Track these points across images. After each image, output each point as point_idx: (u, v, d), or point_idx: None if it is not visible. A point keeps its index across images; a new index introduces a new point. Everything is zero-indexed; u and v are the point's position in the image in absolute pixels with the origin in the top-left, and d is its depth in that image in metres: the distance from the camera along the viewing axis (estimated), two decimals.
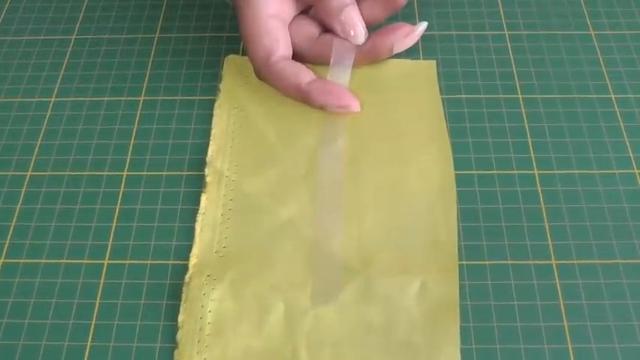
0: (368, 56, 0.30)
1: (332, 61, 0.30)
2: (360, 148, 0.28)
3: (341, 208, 0.26)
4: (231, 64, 0.32)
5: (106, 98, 0.31)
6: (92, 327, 0.24)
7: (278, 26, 0.29)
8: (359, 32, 0.29)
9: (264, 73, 0.29)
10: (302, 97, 0.29)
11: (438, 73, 0.31)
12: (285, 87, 0.29)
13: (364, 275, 0.24)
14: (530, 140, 0.29)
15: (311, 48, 0.30)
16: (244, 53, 0.32)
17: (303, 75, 0.29)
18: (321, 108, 0.29)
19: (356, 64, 0.30)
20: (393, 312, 0.24)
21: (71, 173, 0.28)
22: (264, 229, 0.26)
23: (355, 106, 0.29)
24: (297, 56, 0.30)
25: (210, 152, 0.28)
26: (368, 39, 0.30)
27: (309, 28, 0.30)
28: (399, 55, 0.31)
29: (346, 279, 0.24)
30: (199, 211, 0.27)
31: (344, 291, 0.24)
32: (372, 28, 0.32)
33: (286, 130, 0.29)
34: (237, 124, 0.29)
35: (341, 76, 0.30)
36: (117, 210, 0.27)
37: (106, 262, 0.26)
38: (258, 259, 0.25)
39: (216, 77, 0.32)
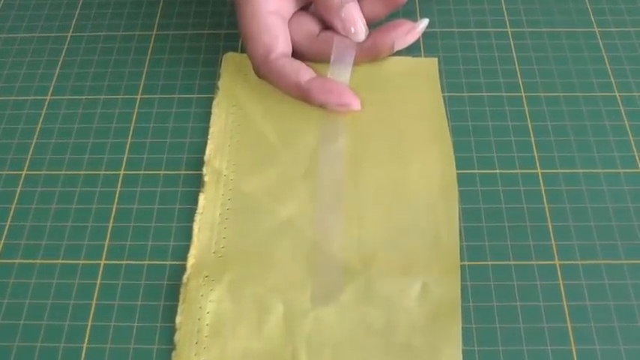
0: (369, 54, 0.30)
1: (332, 58, 0.29)
2: (360, 147, 0.28)
3: (341, 208, 0.26)
4: (230, 61, 0.31)
5: (102, 96, 0.31)
6: (88, 328, 0.24)
7: (277, 23, 0.29)
8: (359, 29, 0.29)
9: (263, 71, 0.29)
10: (302, 95, 0.29)
11: (440, 71, 0.31)
12: (284, 85, 0.29)
13: (364, 276, 0.24)
14: (533, 139, 0.28)
15: (311, 45, 0.30)
16: (243, 51, 0.32)
17: (303, 73, 0.28)
18: (321, 106, 0.29)
19: (356, 62, 0.30)
20: (393, 313, 0.23)
21: (67, 172, 0.28)
22: (263, 229, 0.26)
23: (356, 104, 0.28)
24: (296, 54, 0.30)
25: (208, 151, 0.28)
26: (368, 36, 0.29)
27: (309, 25, 0.30)
28: (400, 53, 0.31)
29: (346, 280, 0.24)
30: (197, 211, 0.26)
31: (344, 292, 0.24)
32: (372, 25, 0.31)
33: (286, 128, 0.29)
34: (236, 122, 0.29)
35: (341, 73, 0.29)
36: (113, 209, 0.27)
37: (102, 262, 0.25)
38: (257, 260, 0.25)
39: (215, 75, 0.31)
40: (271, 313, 0.24)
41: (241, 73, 0.31)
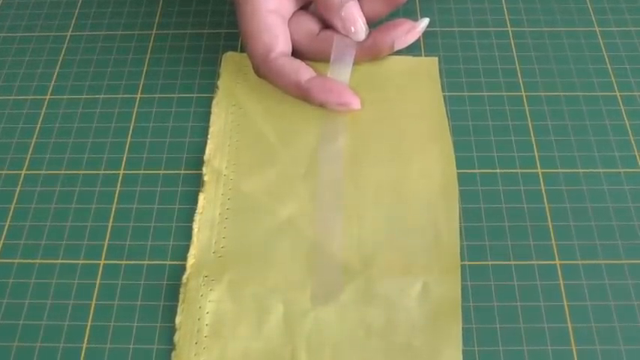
0: (369, 53, 0.30)
1: (332, 57, 0.29)
2: (360, 147, 0.28)
3: (341, 208, 0.26)
4: (230, 61, 0.31)
5: (101, 96, 0.31)
6: (88, 328, 0.24)
7: (277, 22, 0.29)
8: (360, 28, 0.29)
9: (263, 70, 0.29)
10: (302, 94, 0.28)
11: (440, 70, 0.31)
12: (284, 84, 0.29)
13: (365, 276, 0.24)
14: (533, 138, 0.28)
15: (311, 44, 0.30)
16: (243, 50, 0.32)
17: (303, 72, 0.28)
18: (321, 106, 0.29)
19: (357, 61, 0.30)
20: (393, 313, 0.23)
21: (66, 172, 0.28)
22: (263, 229, 0.26)
23: (356, 103, 0.28)
24: (296, 53, 0.30)
25: (207, 151, 0.28)
26: (369, 35, 0.29)
27: (309, 24, 0.30)
28: (400, 52, 0.31)
29: (346, 279, 0.24)
30: (197, 211, 0.26)
31: (344, 292, 0.24)
32: (373, 24, 0.31)
33: (286, 128, 0.29)
34: (236, 122, 0.29)
35: (341, 73, 0.29)
36: (113, 209, 0.27)
37: (102, 262, 0.25)
38: (257, 260, 0.25)
39: (214, 74, 0.31)
40: (271, 313, 0.23)
41: (241, 73, 0.31)
